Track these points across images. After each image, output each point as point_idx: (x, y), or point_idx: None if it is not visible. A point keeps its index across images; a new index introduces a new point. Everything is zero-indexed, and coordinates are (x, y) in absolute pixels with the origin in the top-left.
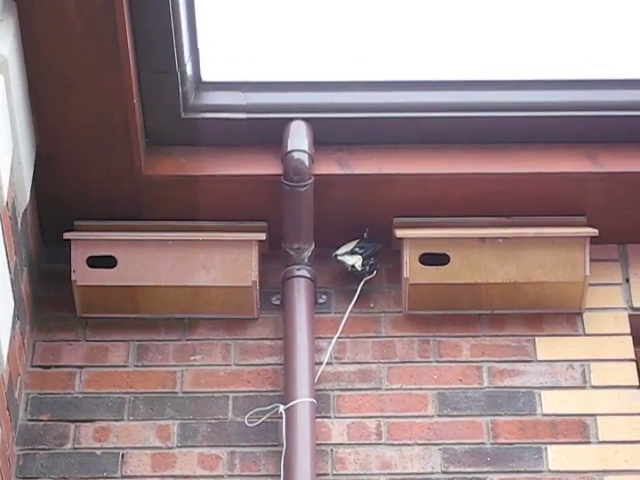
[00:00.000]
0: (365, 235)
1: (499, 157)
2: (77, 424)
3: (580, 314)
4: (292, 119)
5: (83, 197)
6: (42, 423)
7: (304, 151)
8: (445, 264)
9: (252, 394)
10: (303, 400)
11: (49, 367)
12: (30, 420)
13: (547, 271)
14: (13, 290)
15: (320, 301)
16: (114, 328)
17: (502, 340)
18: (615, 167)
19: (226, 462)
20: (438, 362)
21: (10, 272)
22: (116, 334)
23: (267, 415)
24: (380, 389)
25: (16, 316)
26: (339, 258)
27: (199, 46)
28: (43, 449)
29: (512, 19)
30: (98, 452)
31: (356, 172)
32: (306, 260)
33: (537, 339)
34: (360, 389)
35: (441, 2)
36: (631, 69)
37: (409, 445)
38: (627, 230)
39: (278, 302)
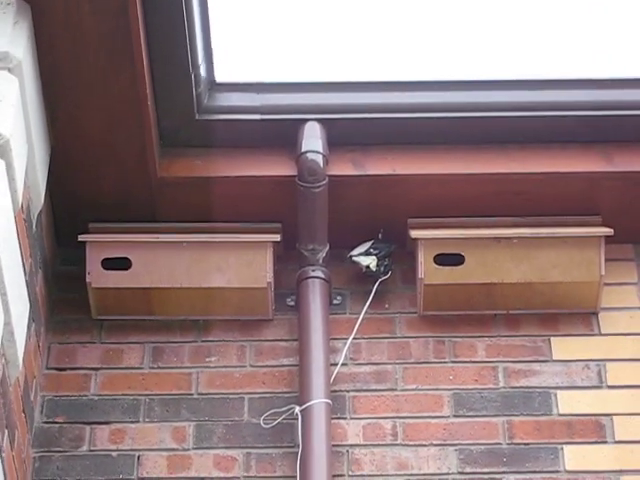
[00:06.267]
0: (380, 236)
1: (514, 157)
2: (93, 426)
3: (595, 314)
4: (306, 120)
5: (97, 199)
6: (58, 425)
7: (318, 152)
8: (460, 264)
9: (267, 395)
10: (319, 401)
11: (64, 369)
12: (46, 422)
13: (562, 271)
14: (28, 292)
15: (335, 302)
16: (129, 330)
17: (518, 340)
18: (630, 167)
19: (242, 463)
20: (453, 362)
21: (25, 274)
22: (131, 336)
23: (283, 416)
24: (395, 390)
25: (31, 318)
26: (354, 259)
27: (213, 47)
28: (59, 451)
29: (528, 18)
30: (114, 454)
31: (370, 173)
32: (321, 261)
33: (552, 339)
34: (375, 390)
35: (457, 2)
36: None
37: (425, 446)
38: None
39: (293, 303)
